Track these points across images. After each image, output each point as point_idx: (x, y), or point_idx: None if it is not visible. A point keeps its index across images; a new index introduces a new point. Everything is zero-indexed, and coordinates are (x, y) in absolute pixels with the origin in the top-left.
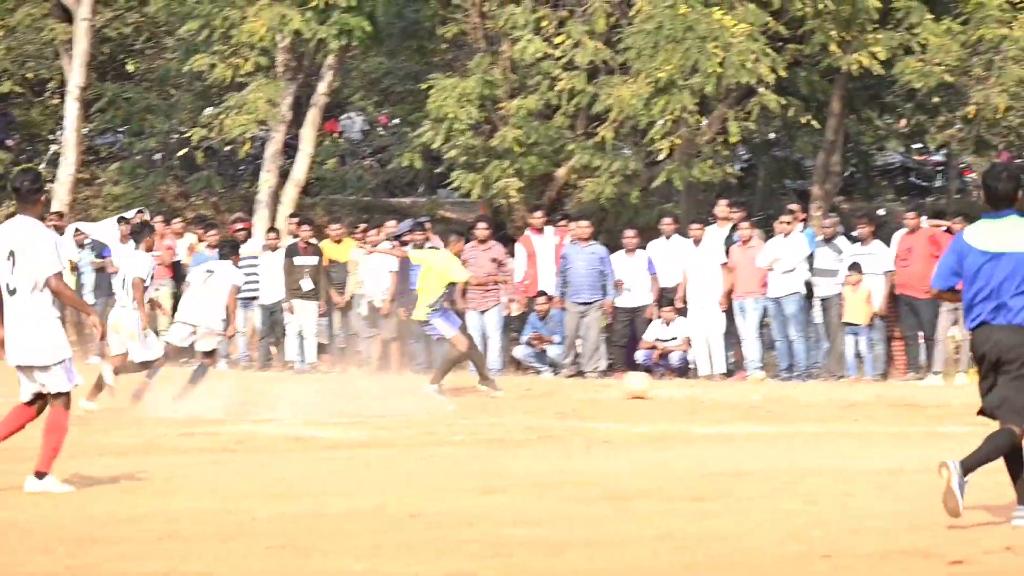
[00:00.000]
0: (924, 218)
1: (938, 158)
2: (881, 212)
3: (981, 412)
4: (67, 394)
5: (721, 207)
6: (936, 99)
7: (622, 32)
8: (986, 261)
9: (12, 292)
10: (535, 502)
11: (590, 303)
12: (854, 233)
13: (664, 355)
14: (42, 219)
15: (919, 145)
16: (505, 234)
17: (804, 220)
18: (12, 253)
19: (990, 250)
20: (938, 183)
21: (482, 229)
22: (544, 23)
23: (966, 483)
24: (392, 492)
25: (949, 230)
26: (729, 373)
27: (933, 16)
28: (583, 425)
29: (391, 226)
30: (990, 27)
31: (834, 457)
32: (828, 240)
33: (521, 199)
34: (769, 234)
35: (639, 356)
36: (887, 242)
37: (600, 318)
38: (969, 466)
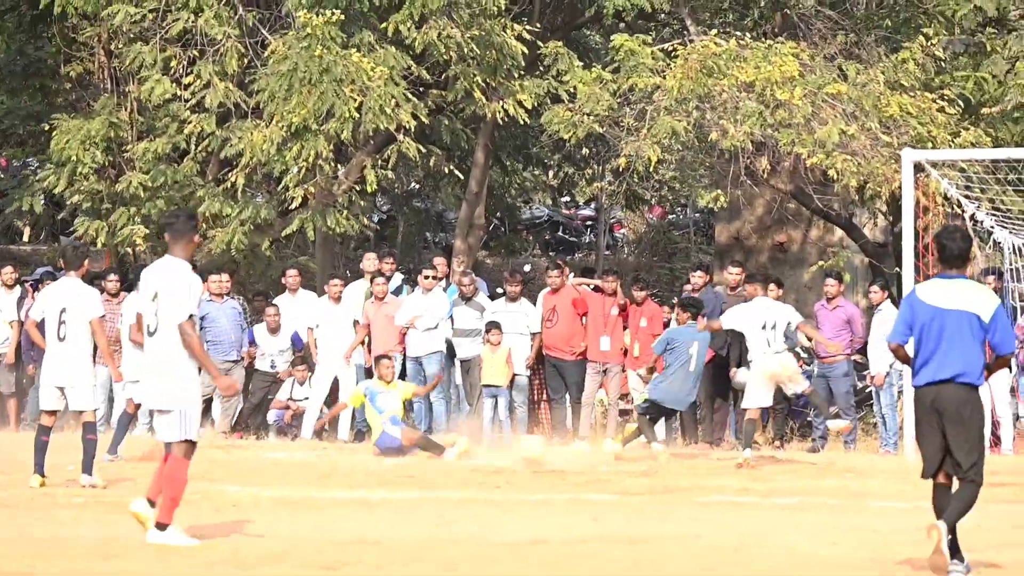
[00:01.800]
0: (570, 276)
1: (588, 212)
2: (527, 268)
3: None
4: (188, 443)
5: (370, 259)
6: (585, 150)
7: (255, 73)
8: (936, 317)
9: (151, 333)
10: (158, 567)
11: (237, 361)
12: (500, 290)
13: (298, 415)
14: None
15: (567, 199)
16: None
17: (447, 276)
18: (156, 294)
19: (945, 307)
20: (587, 239)
21: (112, 282)
22: (173, 63)
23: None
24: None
25: (597, 288)
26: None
27: (583, 63)
28: (212, 488)
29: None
30: (642, 76)
31: (475, 525)
32: (467, 298)
33: (148, 247)
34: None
35: (271, 416)
36: (533, 300)
37: (243, 375)
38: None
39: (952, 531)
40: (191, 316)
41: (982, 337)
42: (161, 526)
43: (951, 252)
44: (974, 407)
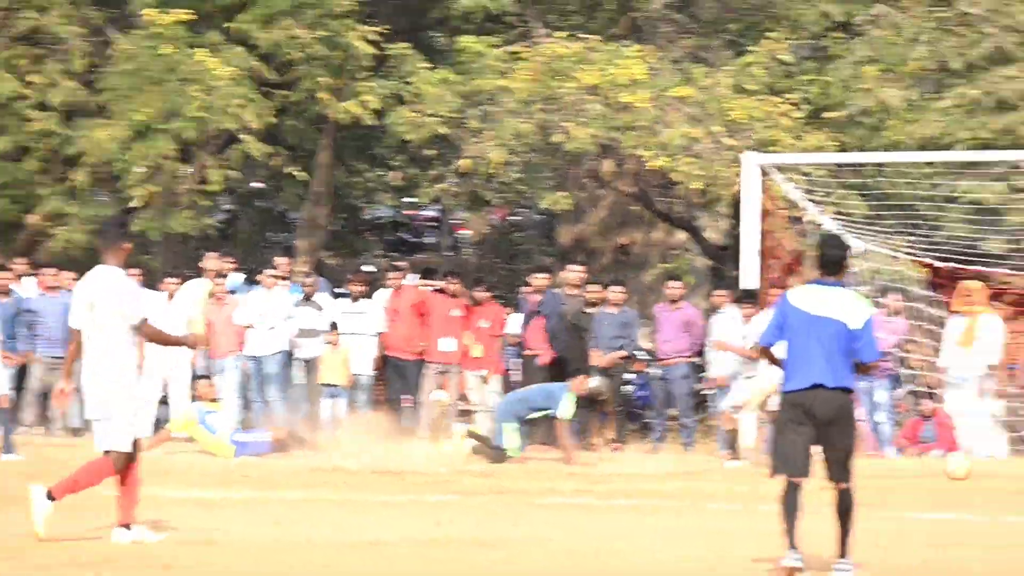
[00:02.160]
0: (413, 277)
1: (431, 213)
2: (370, 269)
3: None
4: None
5: (211, 259)
6: (430, 151)
7: (102, 72)
8: (804, 323)
9: (90, 343)
10: None
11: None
12: (340, 290)
13: None
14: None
15: (411, 199)
16: None
17: (289, 275)
18: (92, 304)
19: (815, 313)
20: (430, 239)
21: None
22: (20, 61)
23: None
24: None
25: (441, 291)
26: None
27: (429, 65)
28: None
29: None
30: (487, 78)
31: (315, 525)
32: (308, 298)
33: None
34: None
35: None
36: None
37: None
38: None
39: (845, 535)
40: (144, 319)
41: (849, 345)
42: (50, 495)
43: (828, 259)
44: (850, 411)
